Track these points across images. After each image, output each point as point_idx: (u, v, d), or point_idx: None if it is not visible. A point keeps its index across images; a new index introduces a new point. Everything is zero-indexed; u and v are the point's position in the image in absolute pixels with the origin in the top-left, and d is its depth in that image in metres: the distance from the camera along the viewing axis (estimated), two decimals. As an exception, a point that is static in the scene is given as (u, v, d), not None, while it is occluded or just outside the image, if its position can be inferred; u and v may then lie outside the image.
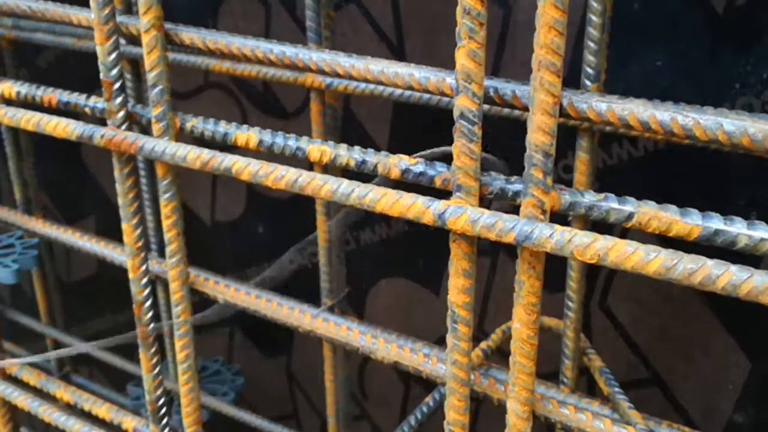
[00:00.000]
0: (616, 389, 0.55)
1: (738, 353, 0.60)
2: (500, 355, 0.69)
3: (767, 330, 0.58)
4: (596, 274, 0.65)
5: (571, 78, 0.47)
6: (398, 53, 0.67)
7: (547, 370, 0.54)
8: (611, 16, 0.47)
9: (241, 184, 0.82)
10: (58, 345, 0.92)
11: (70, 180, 0.97)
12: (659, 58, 0.55)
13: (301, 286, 0.78)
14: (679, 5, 0.53)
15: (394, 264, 0.74)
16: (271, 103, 0.76)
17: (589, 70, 0.47)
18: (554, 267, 0.49)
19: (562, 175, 0.59)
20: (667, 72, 0.55)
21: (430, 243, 0.67)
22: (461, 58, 0.31)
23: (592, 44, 0.47)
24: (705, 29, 0.53)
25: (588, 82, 0.48)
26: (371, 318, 0.77)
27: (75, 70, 0.87)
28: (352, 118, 0.71)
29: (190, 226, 0.88)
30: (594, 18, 0.46)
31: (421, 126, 0.66)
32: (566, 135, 0.60)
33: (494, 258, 0.69)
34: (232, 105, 0.78)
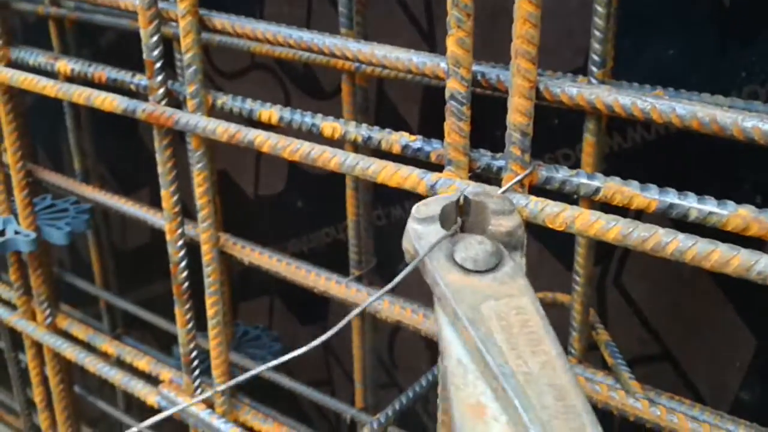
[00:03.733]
0: (620, 361, 0.58)
1: (745, 332, 0.63)
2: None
3: (773, 309, 0.60)
4: (611, 253, 0.67)
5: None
6: (429, 38, 0.71)
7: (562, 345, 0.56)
8: (618, 7, 0.50)
9: (282, 160, 0.86)
10: (110, 308, 0.98)
11: (127, 153, 1.03)
12: (670, 47, 0.57)
13: (333, 259, 0.82)
14: (689, -3, 0.56)
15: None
16: (311, 84, 0.80)
17: (596, 58, 0.50)
18: (570, 246, 0.53)
19: (563, 163, 0.62)
20: (678, 61, 0.57)
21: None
22: (451, 45, 0.34)
23: (597, 33, 0.50)
24: (713, 20, 0.55)
25: (594, 69, 0.51)
26: (401, 291, 0.81)
27: (133, 50, 0.92)
28: (385, 100, 0.75)
29: (235, 199, 0.93)
30: (599, 8, 0.49)
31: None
32: (568, 126, 0.62)
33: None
34: (276, 85, 0.83)
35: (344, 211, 0.66)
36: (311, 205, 0.87)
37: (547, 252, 0.70)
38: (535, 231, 0.68)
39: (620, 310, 0.68)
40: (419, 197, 0.81)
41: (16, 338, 0.87)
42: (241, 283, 0.95)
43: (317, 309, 0.92)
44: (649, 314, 0.67)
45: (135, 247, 1.08)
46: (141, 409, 1.09)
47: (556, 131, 0.64)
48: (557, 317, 0.63)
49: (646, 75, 0.60)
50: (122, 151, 1.05)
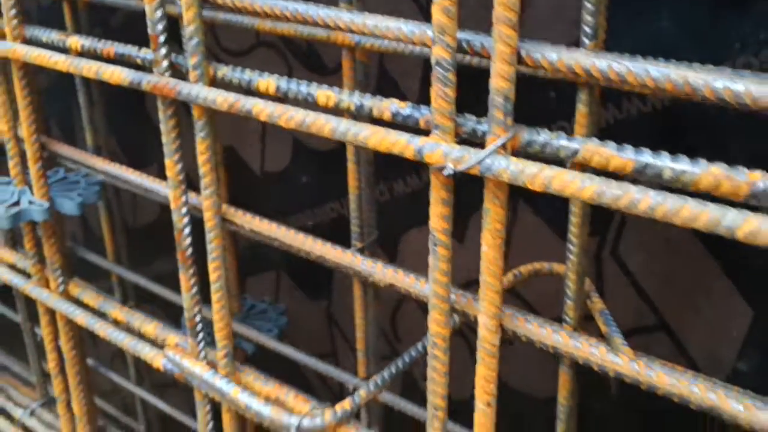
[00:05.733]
0: (613, 329, 0.59)
1: (741, 302, 0.64)
2: (510, 296, 0.74)
3: (767, 278, 0.62)
4: (608, 223, 0.69)
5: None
6: (426, 13, 0.72)
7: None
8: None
9: (287, 136, 0.88)
10: (122, 282, 1.01)
11: (137, 131, 1.05)
12: (663, 18, 0.58)
13: (337, 233, 0.84)
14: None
15: (424, 214, 0.80)
16: (314, 60, 0.82)
17: (587, 29, 0.51)
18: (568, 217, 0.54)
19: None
20: (671, 32, 0.58)
21: (456, 195, 0.73)
22: (436, 13, 0.36)
23: (588, 4, 0.51)
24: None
25: (586, 41, 0.52)
26: (402, 263, 0.83)
27: (141, 29, 0.94)
28: (386, 76, 0.77)
29: (242, 175, 0.95)
30: (590, -20, 0.50)
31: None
32: (564, 99, 0.63)
33: (514, 210, 0.74)
34: (280, 62, 0.85)
35: (347, 186, 0.67)
36: (316, 181, 0.89)
37: (544, 225, 0.72)
38: (533, 202, 0.70)
39: (617, 282, 0.70)
40: (420, 173, 0.83)
41: (32, 311, 0.89)
42: (248, 258, 0.98)
43: (322, 283, 0.94)
44: (645, 285, 0.69)
45: (145, 223, 1.11)
46: (151, 383, 1.12)
47: (552, 104, 0.65)
48: (554, 287, 0.65)
49: (639, 47, 0.61)
50: (132, 129, 1.07)
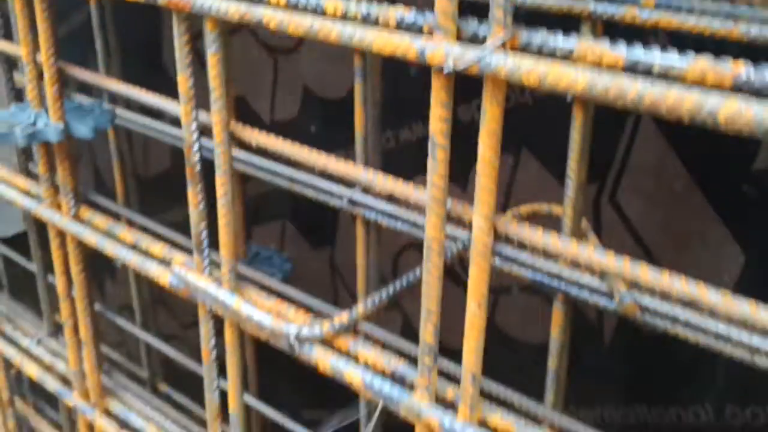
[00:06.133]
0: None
1: (733, 245, 0.65)
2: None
3: (760, 223, 0.63)
4: (607, 170, 0.70)
5: None
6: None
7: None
8: None
9: (297, 85, 0.90)
10: (130, 224, 1.03)
11: (153, 83, 1.07)
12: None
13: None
14: None
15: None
16: None
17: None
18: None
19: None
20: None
21: (459, 144, 0.75)
22: None
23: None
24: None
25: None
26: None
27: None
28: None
29: (252, 125, 0.96)
30: None
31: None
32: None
33: (516, 157, 0.75)
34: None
35: (354, 134, 0.69)
36: (323, 130, 0.91)
37: (545, 170, 0.73)
38: (535, 148, 0.72)
39: (615, 228, 0.71)
40: (425, 120, 0.84)
41: (46, 261, 0.91)
42: (254, 207, 0.99)
43: (326, 232, 0.96)
44: (642, 231, 0.70)
45: (156, 173, 1.13)
46: (158, 332, 1.14)
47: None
48: (552, 228, 0.66)
49: None
50: (147, 82, 1.09)
